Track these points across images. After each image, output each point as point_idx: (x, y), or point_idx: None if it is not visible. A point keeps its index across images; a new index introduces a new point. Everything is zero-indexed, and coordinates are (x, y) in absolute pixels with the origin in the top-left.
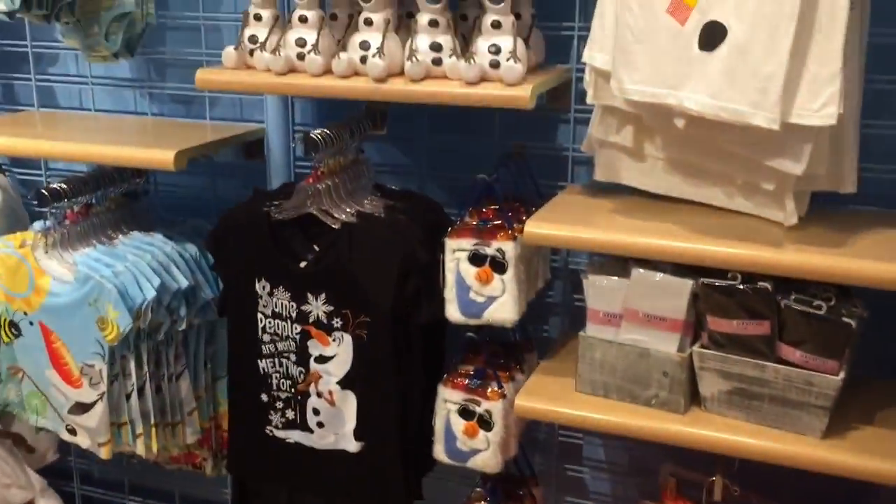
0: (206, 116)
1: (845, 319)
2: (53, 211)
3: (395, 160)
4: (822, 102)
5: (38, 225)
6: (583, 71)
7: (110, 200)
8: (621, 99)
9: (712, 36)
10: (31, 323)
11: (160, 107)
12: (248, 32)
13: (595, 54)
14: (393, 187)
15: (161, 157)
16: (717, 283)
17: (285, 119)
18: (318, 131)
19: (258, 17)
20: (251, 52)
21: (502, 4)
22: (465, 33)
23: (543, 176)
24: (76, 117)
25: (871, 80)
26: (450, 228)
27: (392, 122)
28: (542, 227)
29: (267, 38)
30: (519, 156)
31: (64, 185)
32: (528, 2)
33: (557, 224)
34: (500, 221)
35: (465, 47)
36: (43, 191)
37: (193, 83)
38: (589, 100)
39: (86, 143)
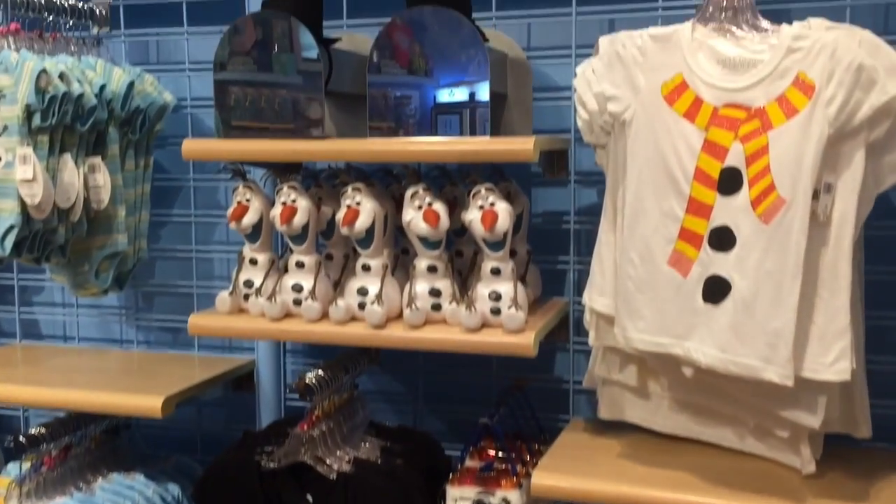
0: (194, 346)
1: None
2: (30, 457)
3: (391, 388)
4: (834, 357)
5: (13, 470)
6: (579, 303)
7: (91, 440)
8: (625, 345)
9: (716, 290)
10: None
11: (147, 335)
12: (243, 277)
13: (595, 297)
14: (388, 425)
15: (148, 404)
16: None
17: (276, 350)
18: (312, 374)
19: (254, 262)
20: (246, 297)
21: (501, 252)
22: (461, 269)
23: (544, 409)
24: (59, 353)
25: (870, 315)
26: (451, 474)
27: (386, 353)
28: (549, 478)
29: (262, 283)
30: (518, 389)
31: (43, 430)
32: (524, 239)
33: (564, 475)
34: (503, 466)
35: (461, 285)
36: (21, 438)
37: (182, 313)
38: (591, 342)
39: (68, 389)
